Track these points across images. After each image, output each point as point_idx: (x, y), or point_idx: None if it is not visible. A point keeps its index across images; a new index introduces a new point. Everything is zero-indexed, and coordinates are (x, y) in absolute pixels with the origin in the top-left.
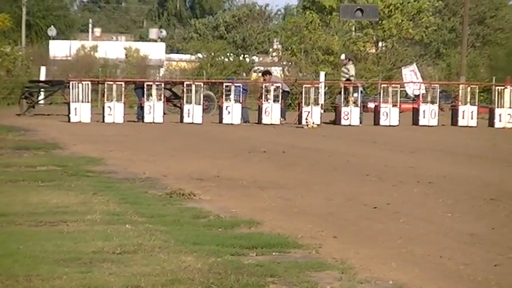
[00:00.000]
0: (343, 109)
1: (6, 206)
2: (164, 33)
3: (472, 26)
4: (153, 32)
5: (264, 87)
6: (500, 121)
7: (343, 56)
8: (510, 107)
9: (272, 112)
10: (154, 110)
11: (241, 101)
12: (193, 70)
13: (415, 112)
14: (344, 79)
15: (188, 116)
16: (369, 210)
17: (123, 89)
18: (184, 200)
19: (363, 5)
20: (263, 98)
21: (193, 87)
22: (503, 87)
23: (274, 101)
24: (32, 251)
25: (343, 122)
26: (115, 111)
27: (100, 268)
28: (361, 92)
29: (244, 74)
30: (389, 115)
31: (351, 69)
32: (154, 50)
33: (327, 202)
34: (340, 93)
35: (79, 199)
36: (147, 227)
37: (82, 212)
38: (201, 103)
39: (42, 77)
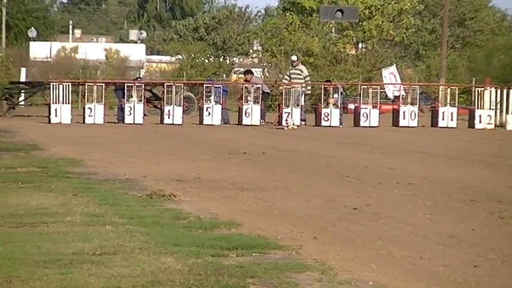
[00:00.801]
0: (324, 110)
1: None
2: (144, 34)
3: (452, 28)
4: (133, 34)
5: (244, 88)
6: (480, 122)
7: (295, 57)
8: (490, 108)
9: (252, 113)
10: (135, 111)
11: (221, 102)
12: (173, 71)
13: (395, 113)
14: (301, 81)
15: (168, 117)
16: (348, 212)
17: (103, 90)
18: (164, 201)
19: (343, 6)
20: (243, 99)
21: (173, 88)
22: (483, 89)
23: (254, 102)
24: (12, 253)
25: (323, 123)
26: (95, 113)
27: (80, 269)
28: (341, 93)
29: (224, 76)
30: (370, 116)
31: (304, 70)
32: (134, 52)
33: (306, 204)
34: (303, 94)
35: (59, 200)
36: (127, 228)
37: (62, 213)
38: (182, 104)
39: (23, 78)
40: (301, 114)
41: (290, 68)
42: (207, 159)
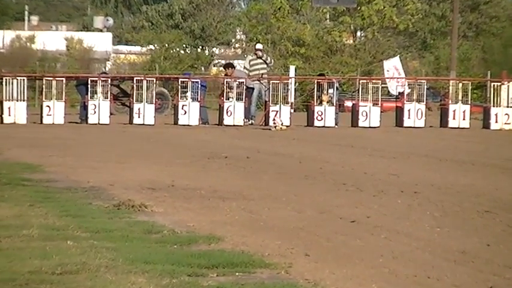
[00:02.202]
0: (316, 108)
1: None
2: (111, 21)
3: (464, 14)
4: (98, 21)
5: (225, 83)
6: (496, 122)
7: (260, 46)
8: (507, 106)
9: (235, 112)
10: (100, 109)
11: (199, 99)
12: (144, 64)
13: (399, 112)
14: (263, 71)
15: (138, 117)
16: (345, 225)
17: (64, 85)
18: (134, 213)
19: None
20: (224, 96)
21: (144, 83)
22: (499, 83)
23: (237, 99)
24: None
25: (316, 123)
26: (55, 111)
27: None
28: (337, 88)
29: (202, 69)
30: (369, 115)
31: (269, 58)
32: (99, 41)
33: (297, 215)
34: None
35: (13, 211)
36: (91, 244)
37: (17, 226)
38: (154, 102)
39: None
40: (250, 110)
41: (252, 57)
42: (183, 164)
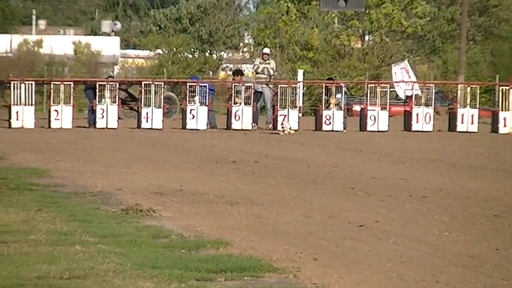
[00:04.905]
0: (325, 113)
1: None
2: (119, 25)
3: (473, 17)
4: (106, 25)
5: (233, 87)
6: (504, 126)
7: (268, 50)
8: None
9: (243, 116)
10: (108, 114)
11: (207, 103)
12: (152, 68)
13: (407, 116)
14: (265, 76)
15: (146, 121)
16: (354, 229)
17: (71, 89)
18: (142, 217)
19: None
20: (233, 100)
21: (152, 87)
22: (508, 87)
23: (245, 103)
24: None
25: (324, 127)
26: (62, 116)
27: None
28: (345, 92)
29: (210, 73)
30: (378, 119)
31: (274, 65)
32: (107, 45)
33: (305, 220)
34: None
35: (21, 216)
36: (99, 248)
37: (24, 231)
38: (162, 106)
39: None
40: (267, 114)
41: (260, 61)
42: (191, 169)
